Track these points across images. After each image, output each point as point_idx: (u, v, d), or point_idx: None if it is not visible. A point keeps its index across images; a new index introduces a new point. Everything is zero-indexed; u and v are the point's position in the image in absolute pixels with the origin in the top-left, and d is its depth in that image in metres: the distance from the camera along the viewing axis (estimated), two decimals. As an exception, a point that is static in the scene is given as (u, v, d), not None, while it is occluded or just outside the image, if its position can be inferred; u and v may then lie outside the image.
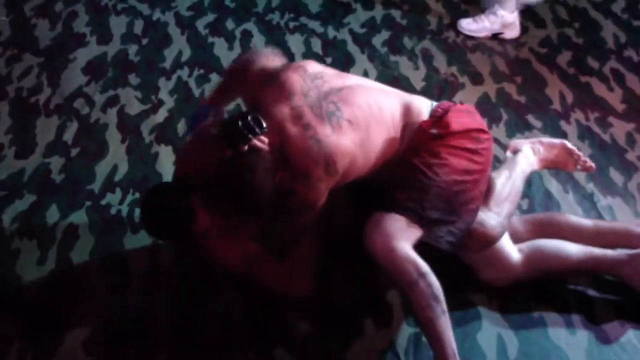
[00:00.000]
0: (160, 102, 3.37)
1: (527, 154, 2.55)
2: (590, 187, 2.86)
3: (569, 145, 2.59)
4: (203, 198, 2.17)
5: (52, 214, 2.73)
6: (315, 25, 4.05)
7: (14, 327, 2.31)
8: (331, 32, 3.98)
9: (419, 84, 3.52)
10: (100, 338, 2.27)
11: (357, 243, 2.16)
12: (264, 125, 2.09)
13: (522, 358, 2.21)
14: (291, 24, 4.06)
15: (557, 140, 2.62)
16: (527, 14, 4.10)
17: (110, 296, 2.42)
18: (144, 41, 3.90)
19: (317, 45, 3.86)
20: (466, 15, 4.10)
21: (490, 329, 2.29)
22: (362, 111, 2.19)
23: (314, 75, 2.25)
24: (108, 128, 3.21)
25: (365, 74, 3.52)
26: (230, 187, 2.09)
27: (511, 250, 2.36)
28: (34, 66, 3.66)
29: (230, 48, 3.83)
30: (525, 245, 2.38)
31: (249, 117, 2.07)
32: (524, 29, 3.99)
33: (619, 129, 3.22)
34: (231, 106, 3.02)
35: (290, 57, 3.63)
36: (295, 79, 2.22)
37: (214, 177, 2.10)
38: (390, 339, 2.27)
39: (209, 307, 2.37)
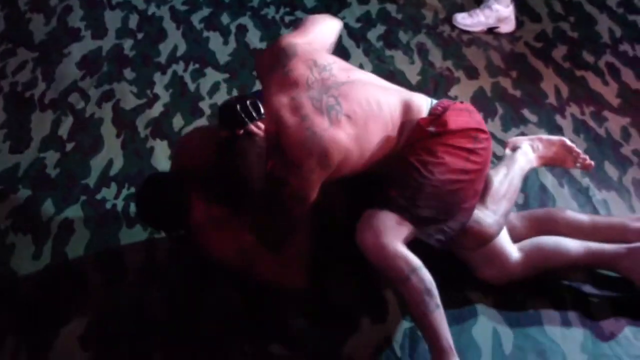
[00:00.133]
0: (156, 97, 3.37)
1: (526, 151, 2.54)
2: (585, 181, 2.86)
3: (568, 142, 2.57)
4: (198, 187, 2.17)
5: (47, 209, 2.73)
6: (310, 19, 4.03)
7: (9, 322, 2.31)
8: (327, 27, 3.97)
9: (414, 79, 3.52)
10: (96, 332, 2.27)
11: (353, 238, 2.15)
12: (262, 111, 2.09)
13: (518, 352, 2.22)
14: (287, 18, 4.06)
15: (556, 138, 2.61)
16: (522, 8, 4.10)
17: (106, 290, 2.42)
18: (139, 36, 3.89)
19: (312, 39, 3.84)
20: (461, 9, 4.09)
21: (486, 324, 2.30)
22: (361, 107, 2.18)
23: (322, 67, 2.23)
24: (103, 123, 3.20)
25: (361, 69, 3.51)
26: (221, 170, 2.09)
27: (510, 249, 2.36)
28: (29, 61, 3.65)
29: (226, 42, 3.83)
30: (524, 243, 2.38)
31: (248, 102, 2.08)
32: (519, 23, 3.98)
33: (614, 123, 3.22)
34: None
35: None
36: (302, 70, 2.20)
37: (209, 166, 2.10)
38: (386, 333, 2.28)
39: (204, 302, 2.37)
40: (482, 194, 2.32)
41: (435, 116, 2.25)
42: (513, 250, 2.35)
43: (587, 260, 2.36)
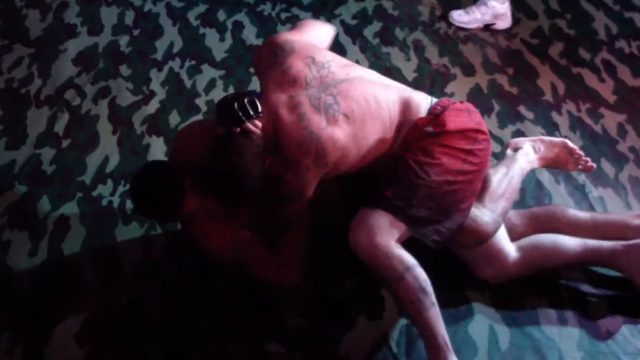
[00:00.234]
0: (152, 94, 3.36)
1: (528, 152, 2.54)
2: (581, 178, 2.86)
3: (570, 144, 2.56)
4: (192, 179, 2.18)
5: (43, 205, 2.72)
6: (306, 16, 4.02)
7: (5, 318, 2.31)
8: (323, 23, 3.97)
9: (410, 75, 3.52)
10: (92, 329, 2.27)
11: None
12: (260, 109, 2.09)
13: (514, 349, 2.22)
14: (283, 15, 4.05)
15: (558, 139, 2.60)
16: (518, 5, 4.10)
17: (102, 287, 2.42)
18: (135, 32, 3.88)
19: (308, 36, 3.84)
20: (457, 6, 4.09)
21: (483, 322, 2.30)
22: (359, 106, 2.17)
23: (321, 65, 2.22)
24: (99, 119, 3.20)
25: (358, 65, 3.52)
26: (217, 167, 2.09)
27: (508, 247, 2.35)
28: (25, 57, 3.64)
29: (222, 39, 3.82)
30: (522, 241, 2.38)
31: (246, 100, 2.08)
32: (515, 20, 3.98)
33: (611, 120, 3.22)
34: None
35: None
36: (300, 68, 2.19)
37: (204, 159, 2.10)
38: (383, 331, 2.28)
39: (200, 298, 2.37)
40: (481, 192, 2.31)
41: (434, 116, 2.22)
42: (511, 249, 2.35)
43: (585, 257, 2.35)
